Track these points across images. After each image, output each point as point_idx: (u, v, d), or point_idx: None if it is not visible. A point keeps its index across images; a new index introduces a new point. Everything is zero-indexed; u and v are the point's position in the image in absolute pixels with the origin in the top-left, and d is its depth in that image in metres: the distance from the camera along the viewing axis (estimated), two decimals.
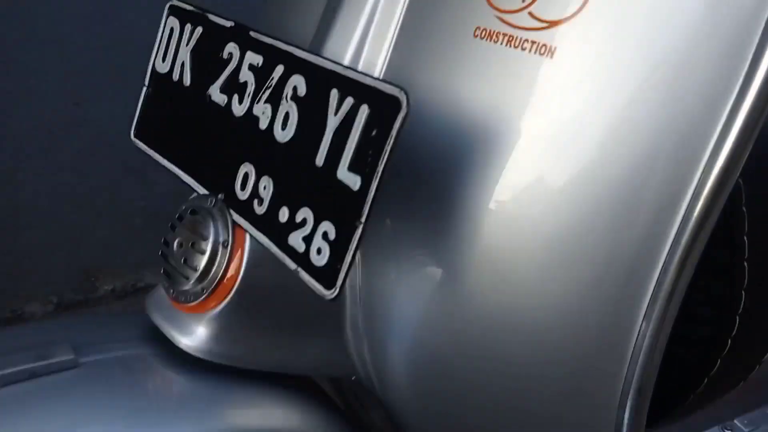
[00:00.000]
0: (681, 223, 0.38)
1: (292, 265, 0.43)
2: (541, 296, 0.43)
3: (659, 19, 0.38)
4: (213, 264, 0.49)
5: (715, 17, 0.38)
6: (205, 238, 0.49)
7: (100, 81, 1.52)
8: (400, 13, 0.47)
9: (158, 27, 0.58)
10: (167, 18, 0.57)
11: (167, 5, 0.58)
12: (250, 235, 0.48)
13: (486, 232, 0.44)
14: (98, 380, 0.48)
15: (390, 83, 0.38)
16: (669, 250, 0.39)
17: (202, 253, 0.49)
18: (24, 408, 0.45)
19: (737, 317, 0.52)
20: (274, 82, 0.44)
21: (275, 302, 0.51)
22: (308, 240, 0.42)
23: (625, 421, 0.43)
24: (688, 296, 0.45)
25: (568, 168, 0.41)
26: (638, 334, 0.40)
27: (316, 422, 0.52)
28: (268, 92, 0.45)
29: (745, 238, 0.49)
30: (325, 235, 0.41)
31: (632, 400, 0.42)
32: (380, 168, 0.37)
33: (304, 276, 0.42)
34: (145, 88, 0.58)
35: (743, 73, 0.37)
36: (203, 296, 0.50)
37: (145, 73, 0.58)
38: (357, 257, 0.50)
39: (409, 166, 0.46)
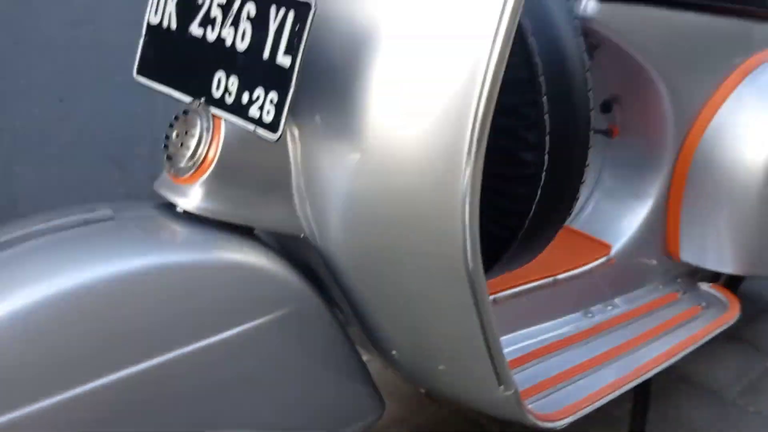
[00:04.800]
0: (481, 92, 0.61)
1: (251, 127, 0.65)
2: (413, 159, 0.66)
3: None
4: (200, 145, 0.71)
5: None
6: (195, 128, 0.72)
7: (82, 79, 1.70)
8: None
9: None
10: None
11: None
12: (224, 121, 0.70)
13: (373, 117, 0.67)
14: (126, 227, 0.70)
15: None
16: (476, 104, 0.61)
17: (192, 138, 0.71)
18: (76, 244, 0.66)
19: (543, 173, 0.74)
20: (234, 11, 0.67)
21: (243, 172, 0.73)
22: (261, 108, 0.64)
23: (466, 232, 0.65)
24: (506, 165, 0.68)
25: (428, 74, 0.64)
26: (469, 160, 0.63)
27: (273, 257, 0.74)
28: (230, 19, 0.68)
29: (544, 102, 0.72)
30: (271, 101, 0.63)
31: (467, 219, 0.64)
32: (302, 48, 0.60)
33: (260, 131, 0.64)
34: (142, 38, 0.80)
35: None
36: (193, 170, 0.71)
37: (141, 27, 0.80)
38: (296, 136, 0.73)
39: (326, 74, 0.69)
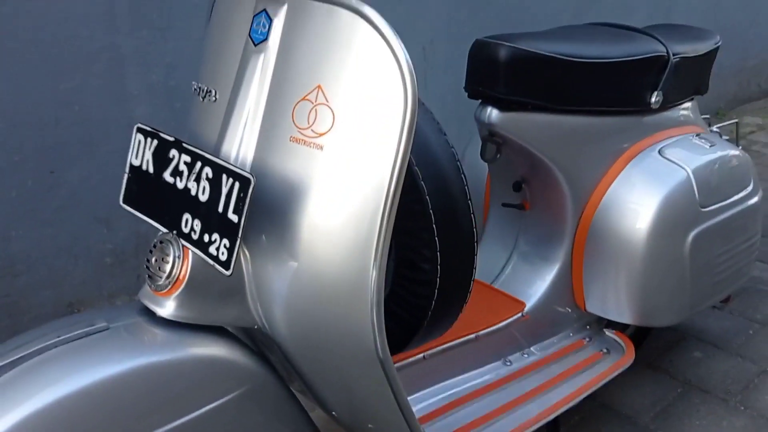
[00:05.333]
0: (382, 223, 0.84)
1: (211, 262, 0.87)
2: (334, 270, 0.88)
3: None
4: (173, 268, 0.93)
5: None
6: (168, 255, 0.93)
7: (70, 152, 1.89)
8: (258, 132, 0.92)
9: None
10: (136, 134, 1.00)
11: (135, 126, 1.01)
12: (191, 252, 0.92)
13: (306, 237, 0.89)
14: (119, 335, 0.91)
15: (247, 171, 0.83)
16: (378, 232, 0.84)
17: (167, 263, 0.93)
18: (80, 353, 0.88)
19: (437, 278, 0.97)
20: (196, 170, 0.89)
21: (207, 287, 0.94)
22: (217, 249, 0.86)
23: (375, 325, 0.87)
24: (410, 271, 0.90)
25: (341, 203, 0.86)
26: (373, 269, 0.85)
27: (240, 350, 0.96)
28: (194, 176, 0.90)
29: (434, 227, 0.95)
30: (224, 245, 0.85)
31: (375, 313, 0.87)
32: (245, 210, 0.82)
33: (216, 267, 0.87)
34: (126, 175, 1.02)
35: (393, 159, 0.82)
36: (169, 287, 0.93)
37: (125, 166, 1.02)
38: (247, 255, 0.95)
39: (268, 207, 0.91)
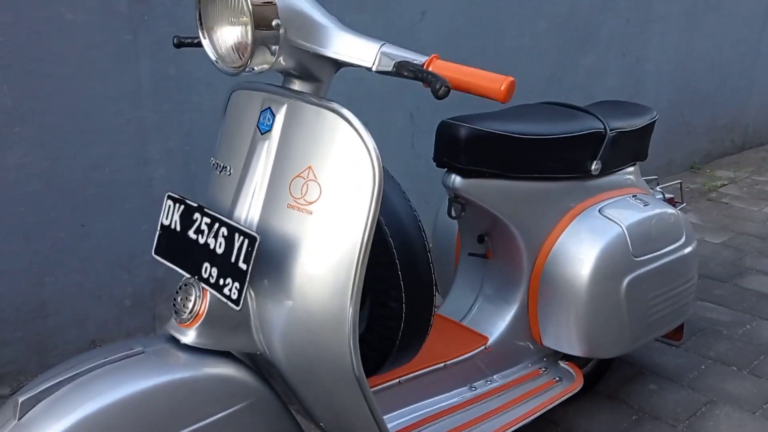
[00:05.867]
0: (356, 271, 1.10)
1: (224, 300, 1.13)
2: (321, 308, 1.14)
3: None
4: (194, 306, 1.18)
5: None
6: (191, 295, 1.19)
7: (99, 208, 2.16)
8: (263, 200, 1.19)
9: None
10: (166, 200, 1.27)
11: (166, 194, 1.28)
12: (209, 292, 1.18)
13: (299, 282, 1.15)
14: (151, 358, 1.16)
15: (253, 231, 1.10)
16: (353, 278, 1.10)
17: (190, 301, 1.19)
18: (121, 372, 1.13)
19: (403, 315, 1.23)
20: (214, 230, 1.16)
21: (221, 320, 1.20)
22: (230, 290, 1.13)
23: (352, 352, 1.13)
24: (382, 308, 1.17)
25: (325, 256, 1.13)
26: (350, 307, 1.11)
27: (245, 371, 1.21)
28: (212, 234, 1.16)
29: (400, 274, 1.21)
30: (236, 287, 1.11)
31: (351, 342, 1.12)
32: (251, 261, 1.09)
33: (229, 304, 1.12)
34: (157, 232, 1.28)
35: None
36: (190, 320, 1.18)
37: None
38: (253, 295, 1.21)
39: (269, 258, 1.17)
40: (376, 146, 1.09)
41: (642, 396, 2.13)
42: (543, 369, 1.75)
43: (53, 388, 1.07)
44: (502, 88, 1.01)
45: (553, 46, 3.40)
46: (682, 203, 2.13)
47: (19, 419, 1.04)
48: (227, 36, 1.14)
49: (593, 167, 1.70)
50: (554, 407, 1.96)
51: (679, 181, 2.28)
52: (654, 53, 4.00)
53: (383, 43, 1.13)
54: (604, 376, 2.16)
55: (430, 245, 1.34)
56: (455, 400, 1.59)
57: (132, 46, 2.10)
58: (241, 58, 1.13)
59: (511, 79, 1.03)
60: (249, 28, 1.07)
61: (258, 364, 1.31)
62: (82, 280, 2.20)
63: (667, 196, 2.06)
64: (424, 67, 1.08)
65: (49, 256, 2.11)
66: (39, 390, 1.07)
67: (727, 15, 4.47)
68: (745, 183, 4.35)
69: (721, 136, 4.85)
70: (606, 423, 2.00)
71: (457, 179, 1.54)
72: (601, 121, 1.72)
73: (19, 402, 1.05)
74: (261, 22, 1.07)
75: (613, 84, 3.78)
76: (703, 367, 2.30)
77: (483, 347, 1.65)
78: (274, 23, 1.08)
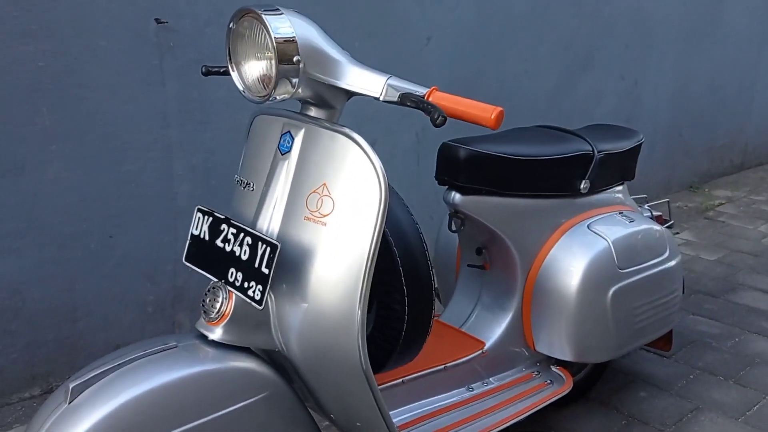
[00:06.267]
0: (364, 277, 1.25)
1: (249, 301, 1.29)
2: (333, 309, 1.29)
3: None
4: (221, 307, 1.34)
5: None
6: (218, 297, 1.35)
7: (126, 221, 2.33)
8: (282, 213, 1.35)
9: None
10: (196, 213, 1.43)
11: (196, 207, 1.44)
12: (235, 294, 1.33)
13: (313, 287, 1.31)
14: (182, 352, 1.31)
15: (274, 240, 1.26)
16: (362, 284, 1.26)
17: (217, 302, 1.34)
18: (156, 364, 1.28)
19: (406, 317, 1.39)
20: (240, 239, 1.32)
21: (245, 319, 1.35)
22: (253, 292, 1.28)
23: (360, 349, 1.28)
24: (387, 311, 1.32)
25: (337, 263, 1.28)
26: (359, 309, 1.26)
27: (264, 366, 1.36)
28: (238, 242, 1.32)
29: (403, 280, 1.36)
30: (259, 290, 1.27)
31: (360, 339, 1.28)
32: (273, 266, 1.24)
33: (252, 304, 1.28)
34: (188, 241, 1.44)
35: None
36: (217, 319, 1.33)
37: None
38: (273, 298, 1.37)
39: (287, 265, 1.33)
40: (382, 166, 1.25)
41: (632, 402, 2.26)
42: (536, 373, 1.89)
43: (99, 376, 1.23)
44: (492, 116, 1.17)
45: (554, 69, 3.57)
46: (670, 221, 2.27)
47: (70, 403, 1.20)
48: (253, 69, 1.31)
49: (582, 186, 1.86)
50: (549, 413, 2.12)
51: (667, 200, 2.42)
52: (652, 76, 4.16)
53: (389, 76, 1.29)
54: (596, 384, 2.30)
55: (432, 256, 1.49)
56: (454, 399, 1.73)
57: (159, 71, 2.28)
58: (265, 89, 1.30)
59: (500, 109, 1.18)
60: (273, 62, 1.24)
61: (276, 360, 1.46)
62: (109, 287, 2.36)
63: (655, 213, 2.21)
64: (425, 98, 1.24)
65: (80, 265, 2.28)
66: (87, 377, 1.22)
67: (725, 39, 4.63)
68: (742, 202, 4.48)
69: (720, 156, 4.98)
70: (597, 427, 2.13)
71: (456, 196, 1.69)
72: (589, 143, 1.87)
73: (70, 388, 1.20)
74: (283, 57, 1.24)
75: (612, 106, 3.94)
76: (691, 376, 2.43)
77: (480, 351, 1.80)
78: (295, 59, 1.24)
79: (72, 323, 2.31)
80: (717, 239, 3.80)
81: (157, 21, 2.20)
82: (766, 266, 3.40)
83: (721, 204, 4.43)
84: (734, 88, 4.87)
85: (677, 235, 3.81)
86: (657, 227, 1.98)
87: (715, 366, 2.49)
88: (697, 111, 4.59)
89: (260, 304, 1.26)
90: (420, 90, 1.26)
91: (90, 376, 1.23)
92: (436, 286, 1.44)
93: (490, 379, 1.82)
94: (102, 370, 1.23)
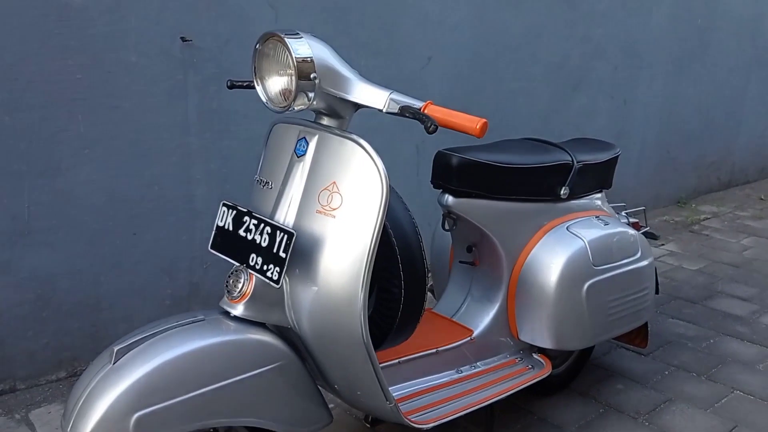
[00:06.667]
0: (367, 264, 1.47)
1: (267, 281, 1.50)
2: (340, 291, 1.51)
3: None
4: (243, 287, 1.54)
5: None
6: (240, 278, 1.56)
7: (148, 221, 2.55)
8: (297, 207, 1.56)
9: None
10: (221, 207, 1.65)
11: (221, 202, 1.65)
12: (255, 276, 1.54)
13: (323, 271, 1.52)
14: (208, 324, 1.52)
15: (290, 229, 1.47)
16: (364, 269, 1.47)
17: (240, 283, 1.55)
18: (185, 334, 1.49)
19: (402, 298, 1.60)
20: (260, 229, 1.53)
21: (263, 298, 1.56)
22: (271, 273, 1.49)
23: (362, 326, 1.49)
24: (386, 293, 1.54)
25: (343, 251, 1.50)
26: (361, 292, 1.48)
27: (278, 340, 1.57)
28: (259, 231, 1.54)
29: (400, 266, 1.57)
30: (276, 271, 1.48)
31: (362, 318, 1.49)
32: (289, 251, 1.46)
33: (271, 284, 1.49)
34: (213, 231, 1.66)
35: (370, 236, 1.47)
36: (239, 297, 1.54)
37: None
38: (287, 280, 1.58)
39: (301, 253, 1.54)
40: (385, 168, 1.47)
41: (610, 394, 2.46)
42: (519, 359, 2.10)
43: (139, 341, 1.44)
44: (477, 126, 1.39)
45: (547, 88, 3.80)
46: (646, 227, 2.48)
47: (114, 363, 1.41)
48: (276, 84, 1.53)
49: (562, 192, 2.07)
50: (533, 400, 2.32)
51: (643, 207, 2.64)
52: (641, 96, 4.39)
53: (392, 91, 1.52)
54: (577, 377, 2.50)
55: (427, 251, 1.71)
56: (444, 379, 1.94)
57: (182, 85, 2.51)
58: (285, 101, 1.52)
59: (484, 120, 1.40)
60: (293, 78, 1.46)
61: (288, 338, 1.67)
62: (132, 280, 2.57)
63: (632, 220, 2.42)
64: (421, 110, 1.46)
65: (106, 260, 2.49)
66: (129, 342, 1.43)
67: (714, 63, 4.87)
68: (727, 217, 4.69)
69: (708, 174, 5.20)
70: (576, 414, 2.33)
71: (449, 198, 1.91)
72: (569, 154, 2.09)
73: (115, 350, 1.42)
74: (302, 74, 1.46)
75: (603, 123, 4.17)
76: (666, 372, 2.63)
77: (469, 338, 2.00)
78: (312, 76, 1.47)
79: (96, 313, 2.52)
80: (700, 251, 4.00)
81: (183, 39, 2.43)
82: (745, 276, 3.61)
83: (707, 218, 4.64)
84: (722, 109, 5.09)
85: (662, 246, 4.02)
86: (631, 231, 2.19)
87: (689, 364, 2.69)
88: (685, 130, 4.82)
89: (277, 283, 1.48)
90: (417, 103, 1.48)
91: (132, 341, 1.44)
92: (430, 280, 1.65)
93: (478, 363, 2.03)
94: (141, 336, 1.44)
